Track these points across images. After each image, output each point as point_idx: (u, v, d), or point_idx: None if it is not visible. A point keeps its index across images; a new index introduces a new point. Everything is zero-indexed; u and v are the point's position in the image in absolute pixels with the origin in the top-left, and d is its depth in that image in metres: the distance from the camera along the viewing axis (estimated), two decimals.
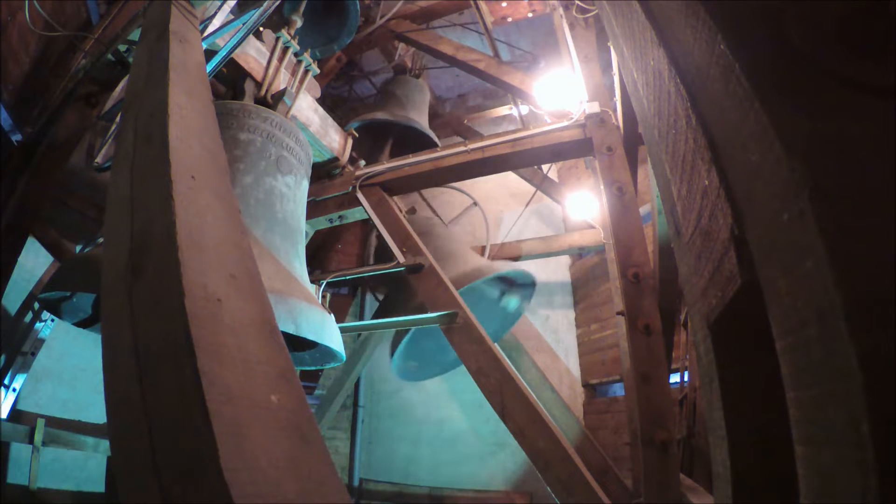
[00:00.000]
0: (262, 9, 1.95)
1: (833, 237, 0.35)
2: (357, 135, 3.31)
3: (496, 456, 4.75)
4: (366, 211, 3.02)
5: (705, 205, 0.57)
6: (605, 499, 2.02)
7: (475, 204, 4.46)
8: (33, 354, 3.55)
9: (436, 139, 4.37)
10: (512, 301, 3.89)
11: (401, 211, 3.18)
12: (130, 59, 2.45)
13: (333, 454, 4.98)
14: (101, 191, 3.70)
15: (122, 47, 2.44)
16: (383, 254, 4.48)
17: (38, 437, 3.36)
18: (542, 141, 2.82)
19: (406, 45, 4.70)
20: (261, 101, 2.51)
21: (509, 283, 3.84)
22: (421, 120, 4.44)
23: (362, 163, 3.26)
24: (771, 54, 0.45)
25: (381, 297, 5.24)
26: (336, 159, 3.14)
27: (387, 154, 4.32)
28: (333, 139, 3.12)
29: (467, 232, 5.15)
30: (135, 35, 2.31)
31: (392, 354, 3.44)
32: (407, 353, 3.61)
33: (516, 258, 4.56)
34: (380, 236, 3.02)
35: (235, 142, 2.11)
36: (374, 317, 4.08)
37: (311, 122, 2.91)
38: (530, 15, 4.35)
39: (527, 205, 4.25)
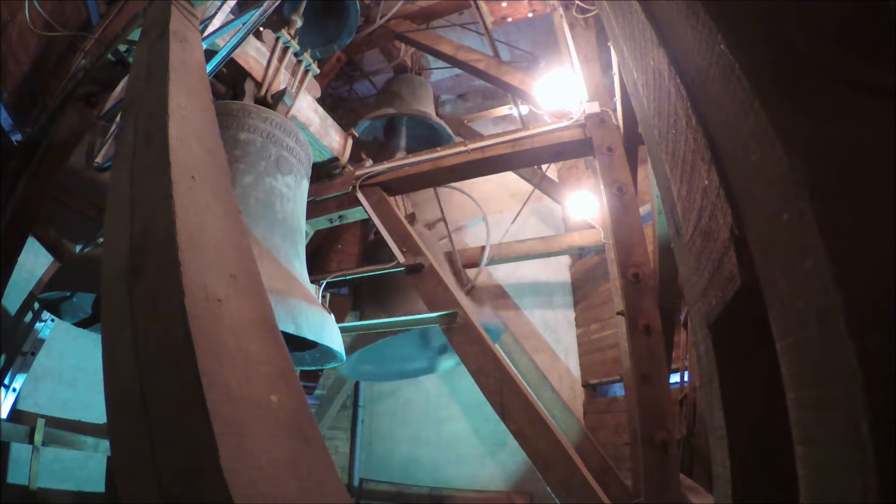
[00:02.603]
0: (262, 9, 1.95)
1: (833, 237, 0.35)
2: (357, 134, 3.31)
3: (496, 456, 4.75)
4: (366, 211, 3.02)
5: (705, 205, 0.57)
6: (605, 499, 2.02)
7: (483, 218, 4.46)
8: (33, 354, 3.54)
9: (449, 131, 4.35)
10: (445, 363, 3.84)
11: (401, 210, 3.18)
12: (130, 59, 2.45)
13: (333, 454, 4.98)
14: (101, 191, 3.70)
15: (122, 47, 2.44)
16: (379, 252, 4.46)
17: (38, 437, 3.36)
18: (542, 141, 2.82)
19: (406, 45, 4.70)
20: (261, 101, 2.51)
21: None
22: (431, 114, 4.45)
23: (369, 162, 3.25)
24: (771, 54, 0.45)
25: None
26: (336, 159, 3.14)
27: (403, 148, 4.31)
28: (333, 139, 3.12)
29: (468, 232, 5.16)
30: (135, 35, 2.31)
31: (348, 353, 3.40)
32: (364, 357, 3.58)
33: (511, 259, 4.55)
34: (377, 234, 3.02)
35: (235, 142, 2.11)
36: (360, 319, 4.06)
37: (311, 122, 2.91)
38: (530, 15, 4.35)
39: (524, 203, 4.25)
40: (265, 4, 1.95)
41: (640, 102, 0.83)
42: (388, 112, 4.29)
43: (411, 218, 3.88)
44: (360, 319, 3.84)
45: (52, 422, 3.57)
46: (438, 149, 3.08)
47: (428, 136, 4.49)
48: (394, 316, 3.10)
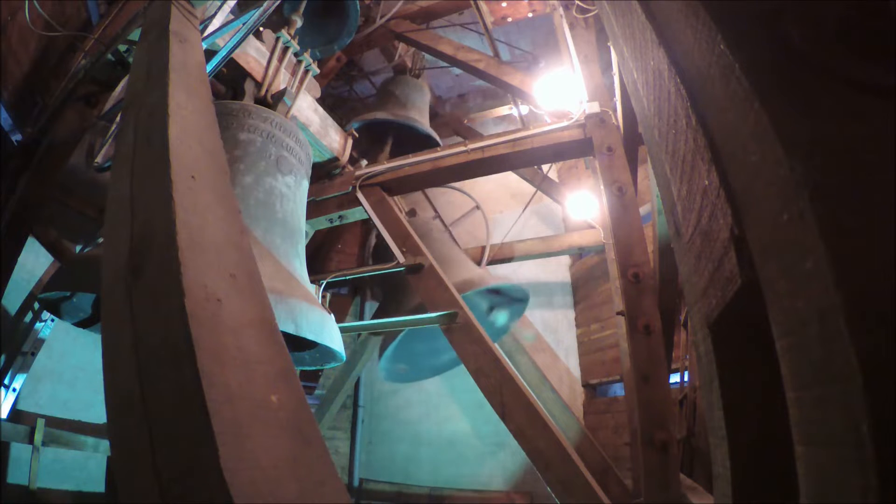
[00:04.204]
0: (262, 9, 1.95)
1: (833, 237, 0.35)
2: (357, 135, 3.31)
3: (496, 456, 4.75)
4: (366, 211, 3.02)
5: (705, 205, 0.57)
6: (605, 499, 2.02)
7: (477, 207, 4.46)
8: (33, 354, 3.54)
9: (437, 138, 4.37)
10: (500, 316, 3.83)
11: (401, 211, 3.18)
12: (130, 59, 2.45)
13: (333, 454, 4.98)
14: (101, 191, 3.70)
15: (122, 47, 2.44)
16: (381, 253, 4.46)
17: (38, 437, 3.36)
18: (542, 141, 2.82)
19: (406, 45, 4.70)
20: (261, 101, 2.51)
21: (501, 295, 3.81)
22: (422, 119, 4.45)
23: (364, 162, 3.26)
24: (771, 54, 0.45)
25: (377, 300, 5.26)
26: (336, 159, 3.14)
27: (387, 154, 4.33)
28: (333, 139, 3.12)
29: (467, 232, 5.15)
30: (135, 35, 2.31)
31: (381, 356, 3.43)
32: (396, 356, 3.60)
33: (511, 259, 4.55)
34: (379, 236, 3.02)
35: (235, 142, 2.11)
36: (374, 317, 4.06)
37: (311, 122, 2.91)
38: (530, 15, 4.35)
39: (526, 205, 4.26)
40: (265, 4, 1.95)
41: (640, 102, 0.83)
42: (376, 117, 4.29)
43: (412, 212, 3.87)
44: (381, 315, 3.82)
45: (52, 422, 3.57)
46: (438, 149, 3.08)
47: (420, 140, 4.49)
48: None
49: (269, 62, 2.56)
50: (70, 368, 3.83)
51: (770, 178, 0.42)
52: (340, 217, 3.23)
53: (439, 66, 5.20)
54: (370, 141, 4.63)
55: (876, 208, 0.36)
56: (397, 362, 3.77)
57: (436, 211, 4.51)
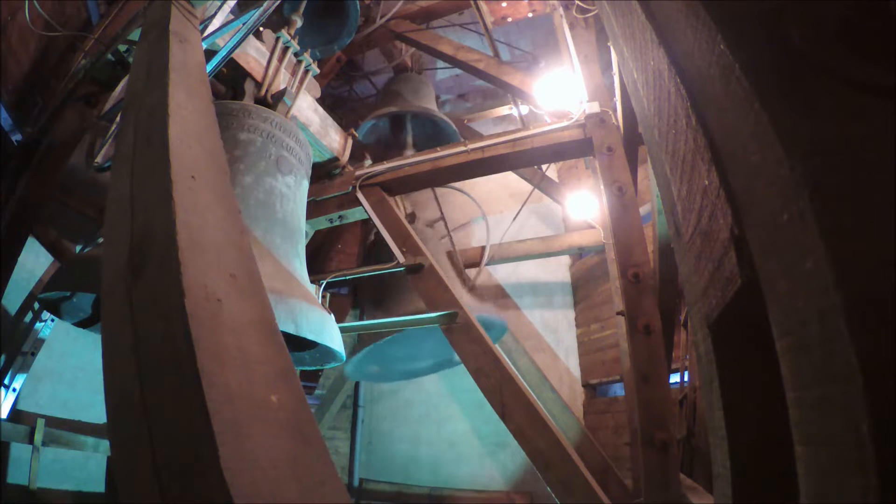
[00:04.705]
0: (262, 9, 1.95)
1: (833, 237, 0.35)
2: (357, 134, 3.31)
3: (496, 456, 4.75)
4: (366, 211, 3.02)
5: (705, 205, 0.57)
6: (604, 499, 2.02)
7: (480, 210, 4.45)
8: (33, 354, 3.54)
9: (454, 126, 4.36)
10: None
11: (401, 211, 3.18)
12: (130, 59, 2.45)
13: (333, 454, 4.98)
14: (101, 191, 3.70)
15: (122, 47, 2.44)
16: (377, 252, 4.44)
17: (38, 437, 3.36)
18: (542, 141, 2.82)
19: (406, 45, 4.70)
20: (261, 101, 2.51)
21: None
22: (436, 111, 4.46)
23: (368, 162, 3.25)
24: (771, 54, 0.45)
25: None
26: (336, 159, 3.14)
27: (409, 145, 4.31)
28: (333, 139, 3.12)
29: (467, 232, 5.16)
30: (135, 35, 2.31)
31: (350, 355, 3.35)
32: (369, 358, 3.56)
33: (511, 259, 4.55)
34: (375, 234, 3.02)
35: (235, 142, 2.11)
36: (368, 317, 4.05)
37: (311, 122, 2.91)
38: (530, 15, 4.35)
39: (524, 204, 4.25)
40: (265, 4, 1.95)
41: (640, 102, 0.83)
42: (392, 110, 4.29)
43: (412, 217, 3.87)
44: (361, 320, 3.83)
45: (52, 422, 3.57)
46: (438, 149, 3.08)
47: (432, 134, 4.49)
48: (393, 315, 3.09)
49: (269, 62, 2.56)
50: (70, 368, 3.83)
51: (770, 178, 0.42)
52: (340, 217, 3.23)
53: (439, 66, 5.21)
54: (386, 140, 4.64)
55: (876, 208, 0.36)
56: (368, 364, 3.74)
57: (441, 213, 4.50)
